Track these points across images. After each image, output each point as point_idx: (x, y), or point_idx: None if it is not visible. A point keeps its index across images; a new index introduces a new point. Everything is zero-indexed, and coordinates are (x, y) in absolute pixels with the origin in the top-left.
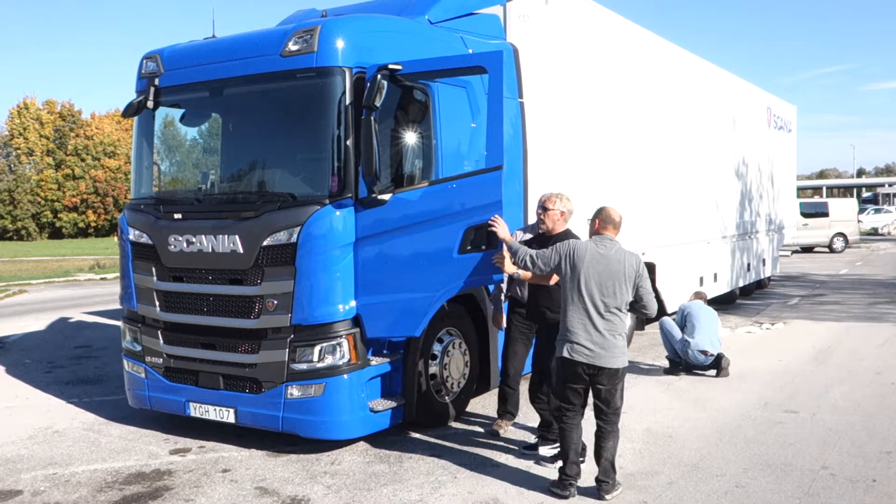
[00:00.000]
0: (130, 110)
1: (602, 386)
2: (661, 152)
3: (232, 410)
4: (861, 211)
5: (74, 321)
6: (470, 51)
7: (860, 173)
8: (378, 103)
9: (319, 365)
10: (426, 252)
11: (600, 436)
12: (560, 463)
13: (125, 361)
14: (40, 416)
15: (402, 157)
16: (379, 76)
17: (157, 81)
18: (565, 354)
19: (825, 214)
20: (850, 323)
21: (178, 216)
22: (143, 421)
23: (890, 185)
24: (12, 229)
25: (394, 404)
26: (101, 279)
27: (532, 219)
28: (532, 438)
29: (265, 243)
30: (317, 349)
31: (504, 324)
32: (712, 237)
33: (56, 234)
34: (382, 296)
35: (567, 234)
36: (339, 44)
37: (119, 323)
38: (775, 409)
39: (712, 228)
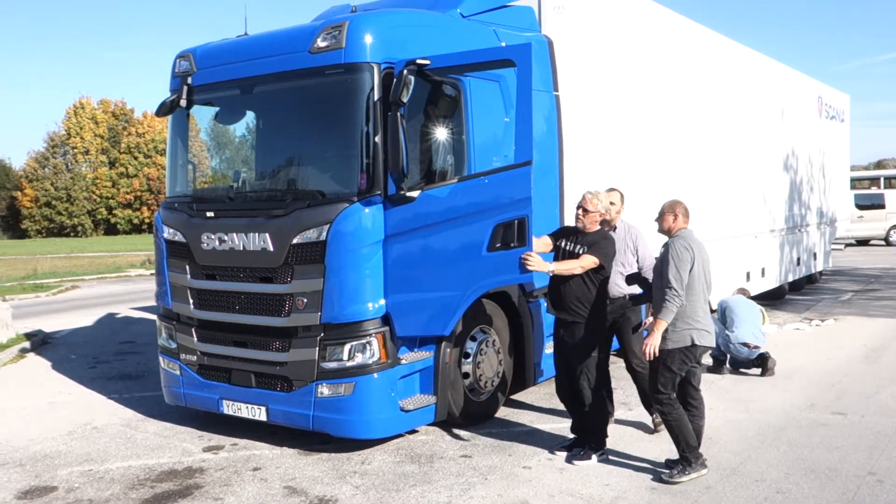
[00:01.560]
0: (164, 109)
1: (699, 365)
2: (706, 145)
3: (264, 408)
4: None
5: (122, 317)
6: (503, 44)
7: None
8: (405, 99)
9: (349, 364)
10: (455, 249)
11: (700, 415)
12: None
13: (161, 359)
14: (81, 411)
15: (431, 153)
16: (406, 71)
17: (189, 80)
18: (697, 342)
19: (881, 206)
20: None
21: (210, 214)
22: (179, 418)
23: None
24: (69, 225)
25: (425, 403)
26: (151, 275)
27: (569, 214)
28: (567, 436)
29: (295, 241)
30: (346, 348)
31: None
32: (760, 231)
33: (111, 230)
34: (412, 294)
35: (601, 232)
36: (368, 39)
37: None
38: (822, 411)
39: (760, 222)
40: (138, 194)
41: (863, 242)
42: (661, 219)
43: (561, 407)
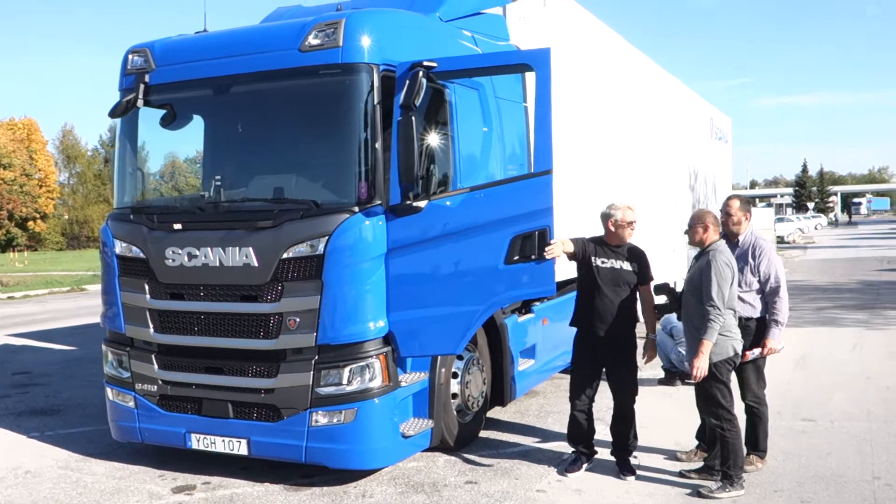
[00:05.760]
0: (119, 110)
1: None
2: (638, 159)
3: (244, 441)
4: None
5: (1, 345)
6: (479, 50)
7: (753, 185)
8: (418, 103)
9: (348, 388)
10: (468, 263)
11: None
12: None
13: (109, 390)
14: (2, 453)
15: (434, 161)
16: (420, 73)
17: (147, 78)
18: (737, 351)
19: None
20: (810, 328)
21: (177, 226)
22: (126, 455)
23: (782, 196)
24: None
25: (424, 428)
26: (9, 298)
27: None
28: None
29: (285, 256)
30: (346, 371)
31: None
32: (677, 245)
33: None
34: (418, 311)
35: (634, 246)
36: (366, 38)
37: (64, 347)
38: (791, 419)
39: (676, 236)
40: None
41: None
42: (690, 231)
43: (537, 424)
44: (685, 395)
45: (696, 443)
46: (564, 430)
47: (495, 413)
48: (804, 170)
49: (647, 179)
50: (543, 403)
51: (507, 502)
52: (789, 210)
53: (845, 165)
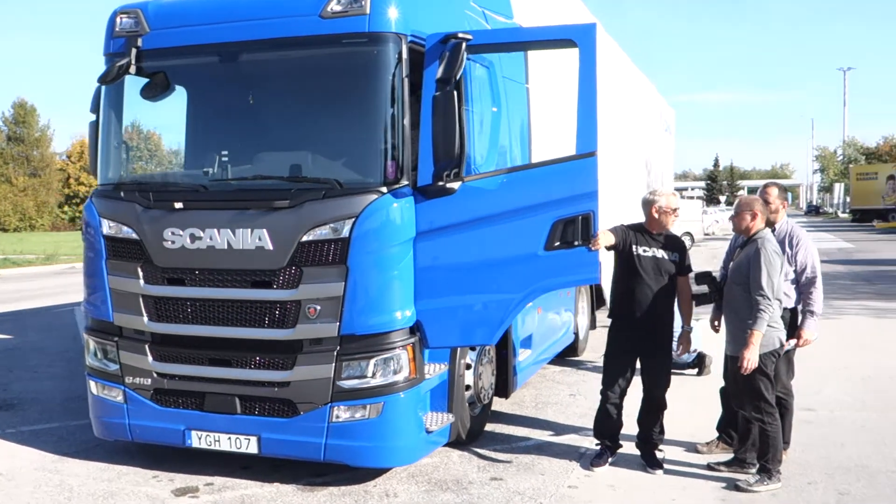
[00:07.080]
0: (109, 76)
1: None
2: (617, 144)
3: (254, 439)
4: None
5: None
6: (488, 26)
7: None
8: (458, 77)
9: (374, 382)
10: (505, 249)
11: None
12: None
13: (92, 383)
14: None
15: (462, 141)
16: (462, 46)
17: (139, 42)
18: (783, 342)
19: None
20: None
21: (178, 205)
22: (107, 455)
23: (692, 189)
24: None
25: (445, 423)
26: None
27: None
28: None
29: (305, 239)
30: (371, 363)
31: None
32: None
33: None
34: (449, 299)
35: (674, 235)
36: (394, 7)
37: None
38: None
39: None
40: None
41: None
42: (737, 217)
43: (538, 416)
44: (680, 384)
45: (717, 434)
46: (568, 422)
47: (493, 405)
48: (716, 164)
49: (621, 164)
50: (536, 394)
51: (541, 500)
52: (700, 203)
53: (749, 161)
